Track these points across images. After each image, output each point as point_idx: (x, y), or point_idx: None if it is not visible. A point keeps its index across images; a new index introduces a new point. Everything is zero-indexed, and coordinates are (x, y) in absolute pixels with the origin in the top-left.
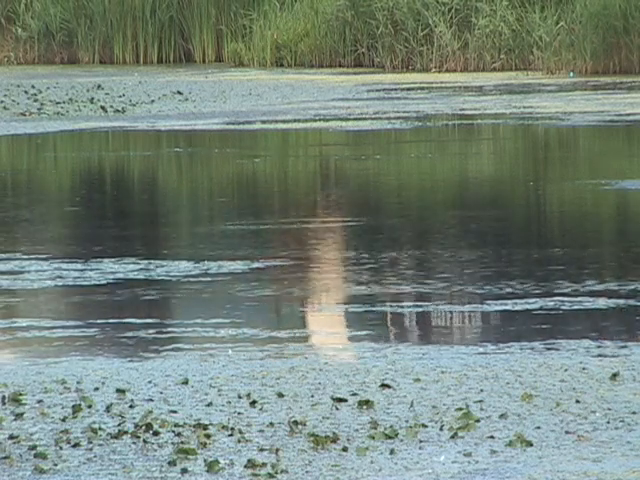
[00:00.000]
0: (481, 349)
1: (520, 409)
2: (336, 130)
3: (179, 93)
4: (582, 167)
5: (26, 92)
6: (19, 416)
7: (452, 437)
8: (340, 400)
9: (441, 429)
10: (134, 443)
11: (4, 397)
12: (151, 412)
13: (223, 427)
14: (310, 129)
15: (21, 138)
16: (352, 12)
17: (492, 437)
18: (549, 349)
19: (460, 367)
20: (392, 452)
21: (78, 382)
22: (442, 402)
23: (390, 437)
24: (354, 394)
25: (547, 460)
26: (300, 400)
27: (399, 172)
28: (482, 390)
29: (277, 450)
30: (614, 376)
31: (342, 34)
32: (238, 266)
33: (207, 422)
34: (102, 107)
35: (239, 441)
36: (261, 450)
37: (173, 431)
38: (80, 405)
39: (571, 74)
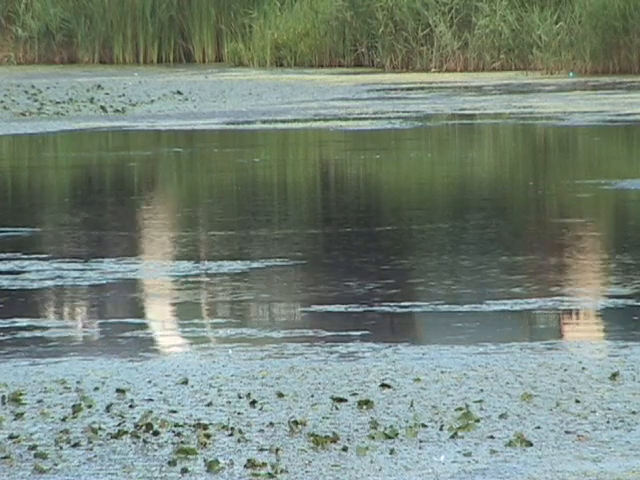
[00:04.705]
0: (481, 349)
1: (520, 409)
2: (336, 130)
3: (179, 93)
4: (582, 167)
5: (26, 92)
6: (19, 416)
7: (452, 437)
8: (340, 400)
9: (441, 429)
10: (134, 443)
11: (4, 397)
12: (151, 412)
13: (223, 427)
14: (310, 129)
15: (21, 138)
16: (352, 12)
17: (492, 437)
18: (549, 349)
19: (460, 367)
20: (392, 452)
21: (78, 382)
22: (442, 402)
23: (390, 437)
24: (354, 394)
25: (547, 460)
26: (300, 400)
27: (399, 173)
28: (482, 390)
29: (277, 450)
30: (614, 376)
31: (342, 34)
32: (237, 266)
33: (207, 422)
34: (102, 107)
35: (239, 441)
36: (261, 450)
37: (173, 431)
38: (80, 405)
39: (571, 74)
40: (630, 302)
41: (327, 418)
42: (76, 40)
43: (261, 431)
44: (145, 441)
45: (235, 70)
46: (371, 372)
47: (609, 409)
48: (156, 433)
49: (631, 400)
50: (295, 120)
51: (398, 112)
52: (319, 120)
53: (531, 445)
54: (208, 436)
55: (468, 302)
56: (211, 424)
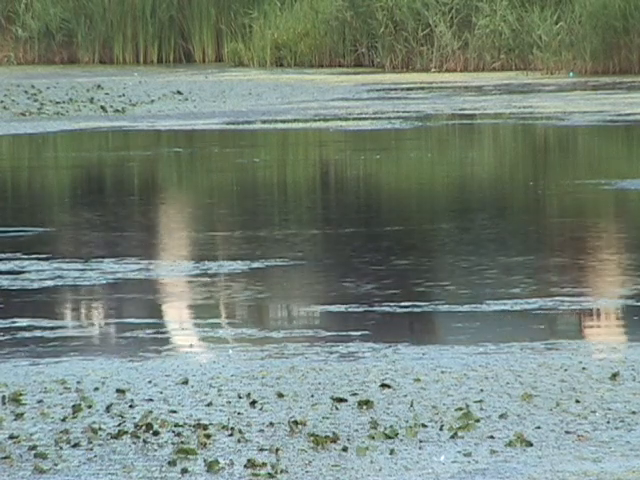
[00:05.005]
0: (481, 349)
1: (520, 409)
2: (336, 130)
3: (179, 93)
4: (582, 167)
5: (26, 92)
6: (19, 416)
7: (452, 437)
8: (340, 400)
9: (441, 429)
10: (134, 443)
11: (4, 397)
12: (151, 412)
13: (223, 427)
14: (310, 129)
15: (21, 138)
16: (352, 12)
17: (492, 437)
18: (549, 349)
19: (460, 367)
20: (392, 452)
21: (78, 382)
22: (442, 402)
23: (390, 437)
24: (354, 394)
25: (547, 460)
26: (300, 400)
27: (399, 173)
28: (482, 390)
29: (277, 450)
30: (614, 376)
31: (342, 34)
32: (237, 266)
33: (207, 422)
34: (102, 107)
35: (239, 441)
36: (261, 450)
37: (173, 431)
38: (80, 405)
39: (571, 74)
40: (630, 302)
41: (327, 418)
42: (76, 40)
43: (261, 431)
44: (145, 441)
45: (235, 70)
46: (371, 372)
47: (609, 409)
48: (156, 433)
49: (631, 400)
50: (295, 120)
51: (398, 112)
52: (319, 120)
53: (531, 445)
54: (208, 436)
55: (468, 302)
56: (211, 424)
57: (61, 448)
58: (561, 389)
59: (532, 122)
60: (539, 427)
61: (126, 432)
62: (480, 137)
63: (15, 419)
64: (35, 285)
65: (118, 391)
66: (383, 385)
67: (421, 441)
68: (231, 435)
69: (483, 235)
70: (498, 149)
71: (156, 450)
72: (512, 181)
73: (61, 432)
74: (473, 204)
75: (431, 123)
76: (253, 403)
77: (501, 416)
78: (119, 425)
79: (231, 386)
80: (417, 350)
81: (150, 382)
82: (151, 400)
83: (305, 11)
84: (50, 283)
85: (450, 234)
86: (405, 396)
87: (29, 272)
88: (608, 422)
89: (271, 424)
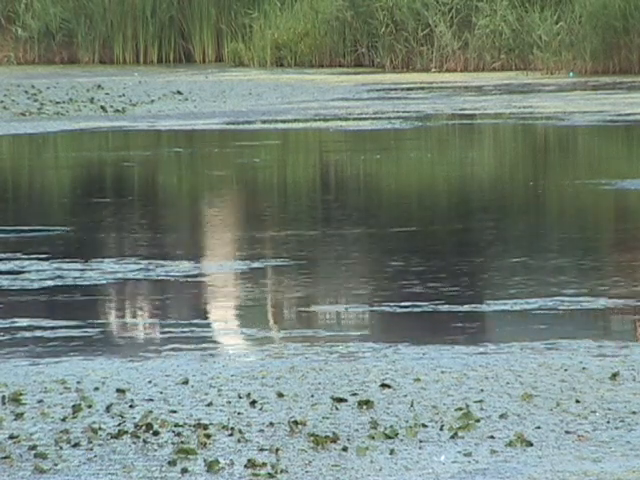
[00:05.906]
0: (481, 349)
1: (520, 409)
2: (336, 130)
3: (179, 93)
4: (582, 167)
5: (26, 92)
6: (19, 416)
7: (452, 437)
8: (340, 400)
9: (441, 429)
10: (134, 443)
11: (4, 397)
12: (151, 412)
13: (223, 427)
14: (310, 129)
15: (21, 138)
16: (352, 12)
17: (492, 437)
18: (549, 349)
19: (460, 367)
20: (392, 452)
21: (78, 382)
22: (442, 402)
23: (390, 437)
24: (354, 394)
25: (547, 460)
26: (300, 400)
27: (399, 173)
28: (482, 390)
29: (277, 450)
30: (614, 376)
31: (342, 34)
32: (238, 266)
33: (207, 422)
34: (102, 107)
35: (239, 441)
36: (261, 450)
37: (173, 431)
38: (80, 405)
39: (571, 74)
40: (630, 302)
41: (327, 418)
42: (76, 40)
43: (261, 431)
44: (145, 441)
45: (235, 70)
46: (371, 372)
47: (609, 409)
48: (156, 433)
49: (631, 400)
50: (295, 120)
51: (398, 112)
52: (319, 120)
53: (531, 445)
54: (208, 436)
55: (468, 302)
56: (211, 424)
57: (61, 448)
58: (561, 389)
59: (532, 122)
60: (539, 427)
61: (126, 432)
62: (480, 137)
63: (15, 419)
64: (35, 285)
65: (118, 391)
66: (383, 385)
67: (421, 441)
68: (231, 435)
69: (483, 235)
70: (498, 149)
71: (156, 450)
72: (512, 181)
73: (61, 432)
74: (473, 204)
75: (431, 123)
76: (253, 403)
77: (501, 416)
78: (119, 425)
79: (231, 386)
80: (417, 350)
81: (150, 382)
82: (151, 400)
83: (305, 11)
84: (50, 283)
85: (450, 234)
86: (405, 396)
87: (29, 272)
88: (608, 422)
89: (271, 424)
